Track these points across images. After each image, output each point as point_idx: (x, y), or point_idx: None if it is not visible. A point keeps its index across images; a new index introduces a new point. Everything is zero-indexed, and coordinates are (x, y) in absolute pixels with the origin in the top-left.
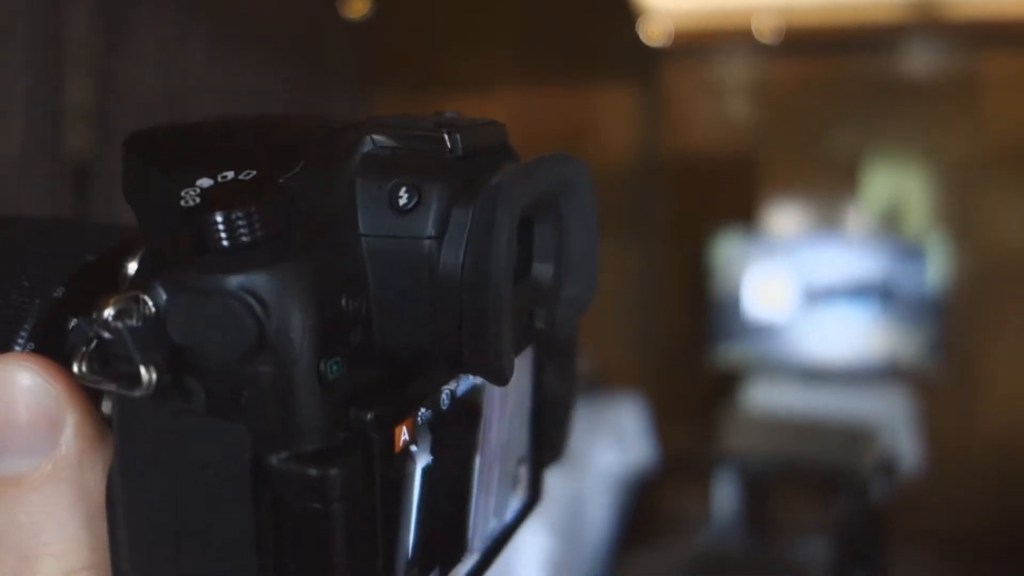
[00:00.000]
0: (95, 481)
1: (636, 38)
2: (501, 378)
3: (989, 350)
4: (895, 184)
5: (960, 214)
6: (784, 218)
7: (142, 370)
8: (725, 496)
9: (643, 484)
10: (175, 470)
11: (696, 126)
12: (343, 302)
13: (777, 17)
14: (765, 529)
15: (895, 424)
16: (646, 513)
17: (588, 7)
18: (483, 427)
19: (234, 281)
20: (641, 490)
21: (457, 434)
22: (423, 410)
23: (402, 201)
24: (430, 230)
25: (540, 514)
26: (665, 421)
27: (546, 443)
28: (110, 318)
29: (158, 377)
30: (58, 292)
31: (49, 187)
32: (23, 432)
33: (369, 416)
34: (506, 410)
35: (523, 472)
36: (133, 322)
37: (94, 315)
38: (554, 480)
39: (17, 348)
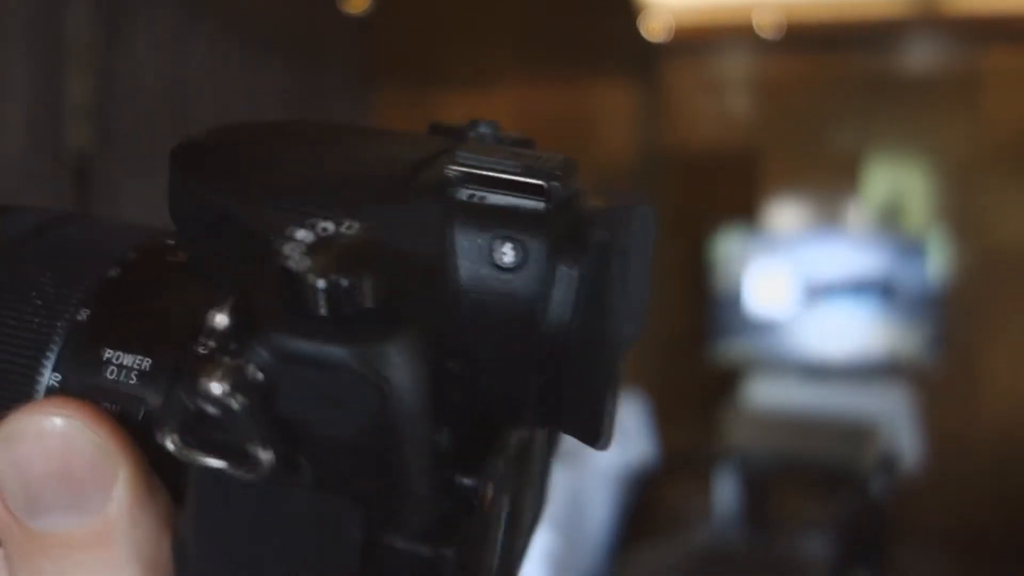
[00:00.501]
0: (148, 538)
1: (637, 34)
2: (604, 443)
3: (989, 346)
4: (896, 180)
5: (961, 210)
6: (785, 214)
7: (259, 452)
8: (726, 493)
9: (644, 481)
10: (271, 548)
11: (697, 122)
12: (449, 365)
13: (778, 13)
14: (766, 526)
15: (896, 420)
16: (647, 510)
17: (589, 3)
18: (530, 468)
19: (352, 353)
20: (642, 487)
21: (519, 474)
22: (500, 459)
23: (506, 258)
24: (537, 289)
25: None
26: (666, 418)
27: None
28: (219, 392)
29: (274, 457)
30: (82, 315)
31: (49, 184)
32: (71, 487)
33: (472, 482)
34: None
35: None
36: (242, 395)
37: (194, 384)
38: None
39: (42, 380)
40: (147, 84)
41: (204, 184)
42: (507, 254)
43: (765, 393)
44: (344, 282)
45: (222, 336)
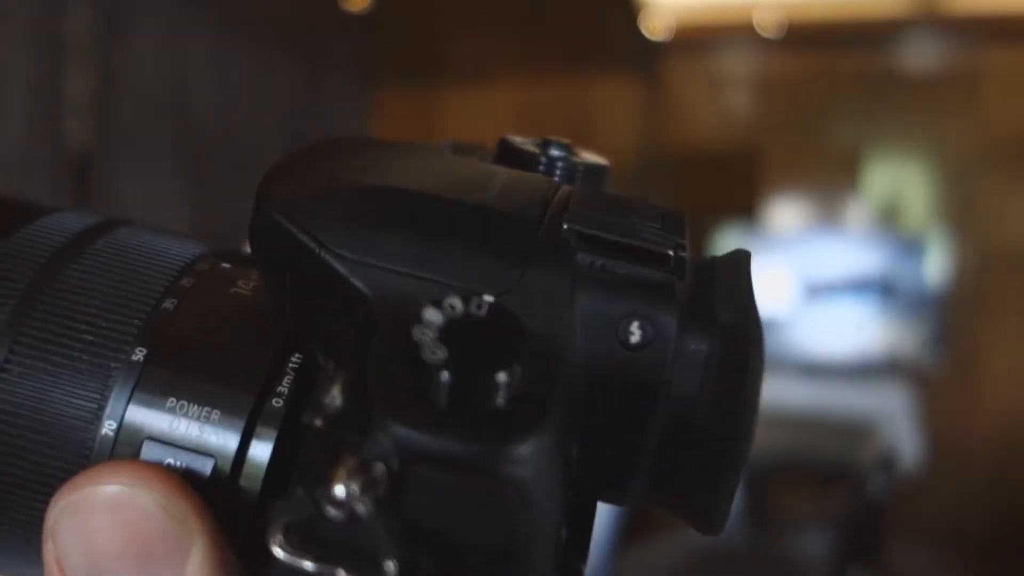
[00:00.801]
0: None
1: (637, 32)
2: (717, 529)
3: (989, 345)
4: (896, 179)
5: (961, 209)
6: (785, 212)
7: (389, 564)
8: None
9: None
10: None
11: (697, 121)
12: (574, 451)
13: (779, 11)
14: (765, 524)
15: (895, 419)
16: (647, 508)
17: (590, 1)
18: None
19: (486, 452)
20: None
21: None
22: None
23: (634, 338)
24: (663, 368)
25: None
26: None
27: None
28: (343, 495)
29: (399, 567)
30: (138, 355)
31: (50, 179)
32: (142, 562)
33: (583, 567)
34: None
35: None
36: (370, 500)
37: (319, 486)
38: None
39: (99, 429)
40: (147, 80)
41: (304, 228)
42: (634, 333)
43: (764, 391)
44: (480, 378)
45: (335, 417)
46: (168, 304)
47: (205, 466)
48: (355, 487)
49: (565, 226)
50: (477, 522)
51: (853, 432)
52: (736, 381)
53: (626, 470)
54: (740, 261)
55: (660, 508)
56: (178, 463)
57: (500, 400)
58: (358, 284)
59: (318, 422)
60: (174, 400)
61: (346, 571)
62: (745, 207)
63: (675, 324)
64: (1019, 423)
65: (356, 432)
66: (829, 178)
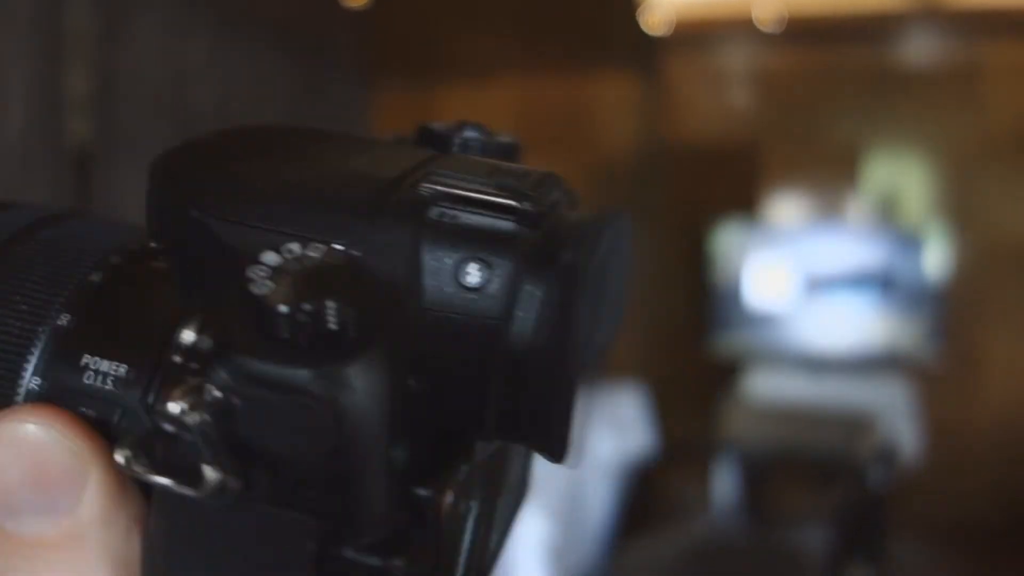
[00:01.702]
0: (119, 540)
1: (637, 27)
2: (560, 457)
3: (989, 338)
4: (895, 173)
5: (960, 203)
6: (784, 207)
7: (207, 470)
8: (725, 484)
9: (643, 472)
10: (229, 560)
11: (697, 115)
12: (410, 383)
13: (778, 6)
14: (764, 517)
15: (895, 412)
16: (646, 501)
17: None
18: (507, 467)
19: (312, 376)
20: (641, 478)
21: (490, 479)
22: (464, 467)
23: (471, 278)
24: (500, 309)
25: (540, 502)
26: (665, 409)
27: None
28: (177, 412)
29: (222, 476)
30: (63, 319)
31: (50, 176)
32: (43, 490)
33: (428, 493)
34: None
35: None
36: (198, 415)
37: (155, 404)
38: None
39: (23, 384)
40: (148, 78)
41: (180, 197)
42: (472, 274)
43: (764, 385)
44: (306, 307)
45: (187, 353)
46: (95, 277)
47: (113, 413)
48: (185, 404)
49: (424, 184)
50: (302, 441)
51: (852, 426)
52: (565, 318)
53: (473, 404)
54: (610, 218)
55: (515, 442)
56: (91, 412)
57: (324, 329)
58: (224, 240)
59: (176, 358)
60: (89, 357)
61: (171, 480)
62: (745, 202)
63: (512, 267)
64: (1018, 417)
65: (199, 362)
66: (829, 173)
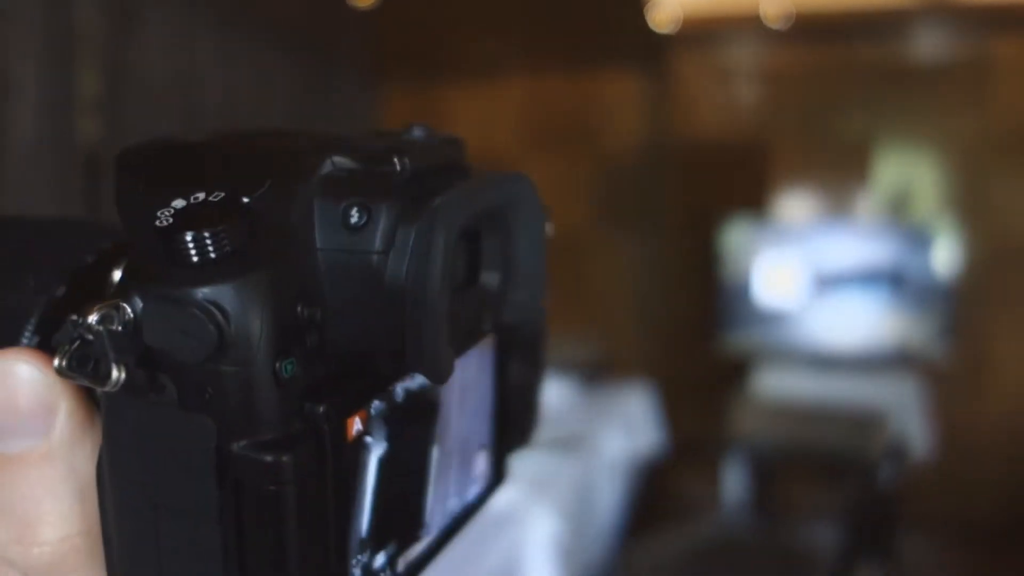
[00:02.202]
0: (85, 460)
1: (644, 25)
2: (438, 377)
3: (999, 336)
4: (905, 170)
5: (971, 199)
6: (794, 204)
7: (113, 369)
8: (734, 482)
9: (652, 469)
10: (151, 454)
11: (705, 113)
12: (299, 309)
13: (786, 3)
14: (774, 514)
15: (905, 410)
16: (655, 498)
17: None
18: (441, 419)
19: (199, 293)
20: (650, 475)
21: (414, 425)
22: (377, 403)
23: (353, 220)
24: (378, 246)
25: (550, 499)
26: (675, 407)
27: (513, 429)
28: (93, 322)
29: (126, 376)
30: (60, 291)
31: (60, 176)
32: (24, 417)
33: (321, 408)
34: (466, 404)
35: (485, 457)
36: (113, 327)
37: (79, 318)
38: (563, 466)
39: (24, 341)
40: (156, 77)
41: (126, 176)
42: (354, 216)
43: (774, 383)
44: (202, 234)
45: (114, 288)
46: (90, 258)
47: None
48: (99, 316)
49: (325, 151)
50: (194, 347)
51: (862, 423)
52: (430, 255)
53: (364, 331)
54: (491, 176)
55: (404, 370)
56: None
57: (214, 253)
58: (143, 206)
59: (107, 294)
60: (71, 317)
61: (87, 380)
62: (754, 199)
63: (386, 208)
64: None
65: (118, 290)
66: (838, 170)
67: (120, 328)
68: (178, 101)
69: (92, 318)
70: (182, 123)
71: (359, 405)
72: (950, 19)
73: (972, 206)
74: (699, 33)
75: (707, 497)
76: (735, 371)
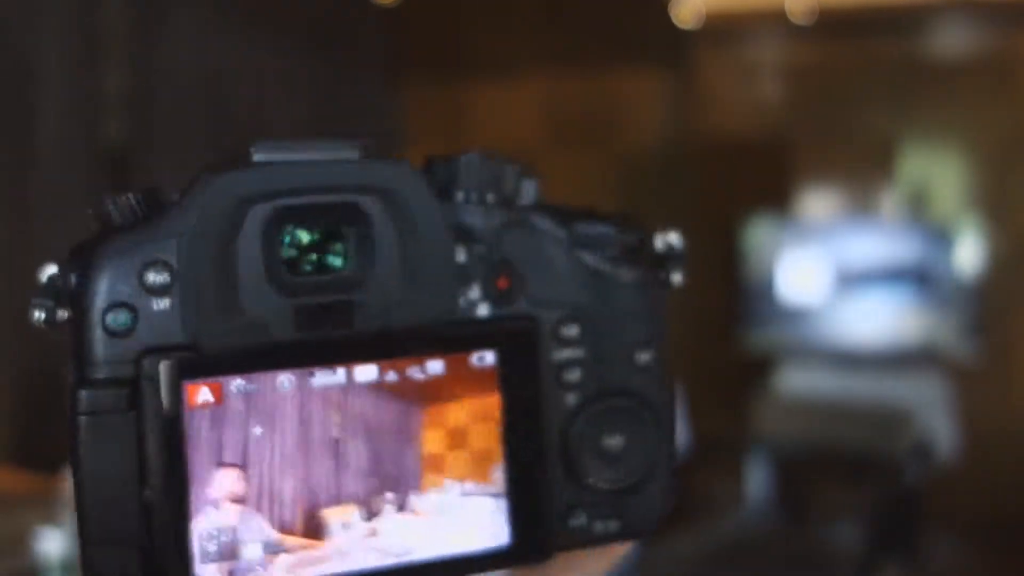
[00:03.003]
0: None
1: (667, 21)
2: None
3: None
4: (929, 167)
5: (996, 197)
6: (818, 202)
7: (57, 311)
8: (758, 480)
9: (676, 468)
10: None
11: (728, 110)
12: (149, 276)
13: None
14: (798, 513)
15: (930, 409)
16: (678, 496)
17: None
18: (310, 421)
19: (65, 259)
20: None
21: (287, 417)
22: (241, 382)
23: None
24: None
25: None
26: (698, 405)
27: (585, 500)
28: (52, 271)
29: (46, 316)
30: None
31: (87, 174)
32: None
33: (148, 363)
34: (354, 427)
35: (491, 507)
36: (54, 277)
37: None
38: None
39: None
40: (182, 75)
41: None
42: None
43: (798, 381)
44: (122, 197)
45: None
46: None
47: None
48: (54, 271)
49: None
50: (55, 300)
51: (887, 422)
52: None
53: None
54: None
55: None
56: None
57: (141, 214)
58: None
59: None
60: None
61: (44, 316)
62: (777, 197)
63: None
64: None
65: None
66: (861, 167)
67: (46, 281)
68: (205, 98)
69: (49, 272)
70: (209, 121)
71: (204, 375)
72: (974, 14)
73: (997, 203)
74: (722, 29)
75: (730, 496)
76: (759, 369)
